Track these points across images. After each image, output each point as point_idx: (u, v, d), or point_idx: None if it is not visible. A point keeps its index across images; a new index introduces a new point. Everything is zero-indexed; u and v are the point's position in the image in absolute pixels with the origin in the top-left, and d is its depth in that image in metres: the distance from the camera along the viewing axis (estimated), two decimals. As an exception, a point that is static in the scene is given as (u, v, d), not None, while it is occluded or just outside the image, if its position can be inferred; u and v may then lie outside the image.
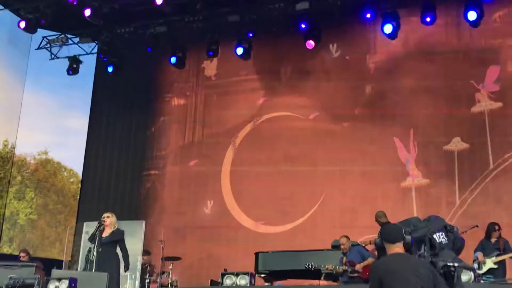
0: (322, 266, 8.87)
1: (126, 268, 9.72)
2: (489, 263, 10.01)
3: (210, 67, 16.19)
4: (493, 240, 10.34)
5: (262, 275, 10.82)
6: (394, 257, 4.85)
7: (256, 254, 11.04)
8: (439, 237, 6.07)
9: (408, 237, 4.94)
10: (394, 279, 4.65)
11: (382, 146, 14.02)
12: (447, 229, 6.24)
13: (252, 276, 8.14)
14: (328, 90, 14.85)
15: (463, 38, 13.71)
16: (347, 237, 10.09)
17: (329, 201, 14.11)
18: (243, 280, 7.96)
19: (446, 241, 6.08)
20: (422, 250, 5.91)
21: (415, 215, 13.30)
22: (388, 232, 5.00)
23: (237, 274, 8.06)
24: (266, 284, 10.65)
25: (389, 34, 13.34)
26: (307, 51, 14.36)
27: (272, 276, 10.64)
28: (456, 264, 4.95)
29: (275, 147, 15.10)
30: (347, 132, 14.51)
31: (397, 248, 4.89)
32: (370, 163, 14.02)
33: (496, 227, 10.38)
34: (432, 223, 6.18)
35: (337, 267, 9.27)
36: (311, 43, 14.23)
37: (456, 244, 6.33)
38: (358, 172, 14.09)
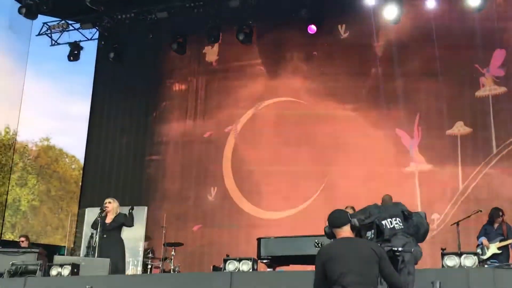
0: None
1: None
2: (493, 248, 9.99)
3: (211, 52, 16.10)
4: (496, 225, 10.32)
5: (265, 261, 10.79)
6: (339, 241, 4.90)
7: (258, 239, 10.99)
8: (391, 223, 6.07)
9: (354, 220, 5.00)
10: (334, 263, 4.71)
11: (386, 131, 13.96)
12: (405, 215, 6.24)
13: (254, 261, 8.10)
14: (332, 74, 14.76)
15: (467, 22, 13.54)
16: (352, 207, 9.90)
17: (332, 187, 14.06)
18: (246, 266, 7.91)
19: (401, 227, 6.10)
20: (370, 236, 5.96)
21: (418, 200, 13.31)
22: (333, 217, 5.03)
23: (239, 260, 8.01)
24: (269, 269, 10.61)
25: (392, 18, 13.25)
26: (310, 36, 14.27)
27: (275, 261, 10.60)
28: (400, 249, 5.26)
29: (277, 132, 15.04)
30: (351, 116, 14.44)
31: (344, 232, 4.93)
32: (373, 148, 13.97)
33: (500, 213, 10.34)
34: (387, 209, 6.25)
35: None
36: (312, 28, 14.17)
37: (420, 229, 6.33)
38: (361, 157, 14.03)
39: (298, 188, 14.41)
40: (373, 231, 5.96)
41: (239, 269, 7.88)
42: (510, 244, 10.05)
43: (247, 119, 15.49)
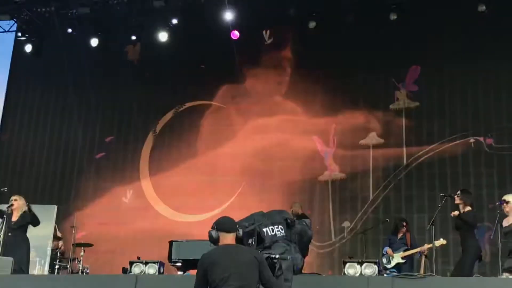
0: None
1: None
2: (397, 258, 10.29)
3: (134, 51, 15.91)
4: (399, 235, 10.60)
5: (177, 264, 10.76)
6: (221, 248, 5.00)
7: (170, 242, 11.00)
8: (273, 230, 6.28)
9: (240, 231, 5.18)
10: (216, 268, 4.81)
11: (302, 139, 14.19)
12: (288, 223, 6.45)
13: (161, 264, 8.08)
14: (245, 80, 14.90)
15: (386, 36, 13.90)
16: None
17: (247, 192, 14.17)
18: (152, 269, 7.89)
19: (283, 234, 6.31)
20: (251, 243, 6.15)
21: (331, 209, 13.60)
22: (223, 222, 5.13)
23: (146, 263, 7.97)
24: (179, 273, 10.60)
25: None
26: (234, 41, 14.33)
27: (188, 265, 10.59)
28: (276, 256, 5.48)
29: (195, 136, 15.05)
30: (271, 123, 14.59)
31: (229, 239, 5.04)
32: (290, 156, 14.16)
33: (404, 223, 10.64)
34: (270, 216, 6.47)
35: None
36: (236, 34, 14.22)
37: (304, 237, 6.59)
38: (278, 164, 14.22)
39: (215, 193, 14.44)
40: (254, 238, 6.12)
41: (144, 272, 7.83)
42: (414, 253, 10.38)
43: (166, 121, 15.41)
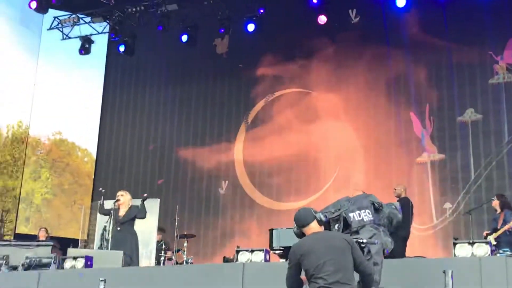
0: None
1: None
2: (493, 241, 9.66)
3: (222, 44, 16.08)
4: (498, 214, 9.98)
5: (277, 252, 10.83)
6: (310, 237, 4.96)
7: (270, 230, 11.06)
8: (359, 215, 6.24)
9: (318, 214, 5.06)
10: (309, 257, 4.78)
11: (398, 121, 13.91)
12: (375, 207, 6.37)
13: (267, 252, 8.11)
14: (342, 64, 14.69)
15: (479, 10, 13.37)
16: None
17: (343, 177, 14.05)
18: (258, 257, 7.94)
19: (371, 218, 6.27)
20: (337, 229, 6.13)
21: (431, 190, 13.27)
22: (298, 217, 5.09)
23: (251, 251, 8.03)
24: (281, 260, 10.65)
25: (402, 7, 13.18)
26: (321, 25, 14.20)
27: (287, 252, 10.64)
28: (364, 240, 5.47)
29: (287, 124, 15.04)
30: (362, 107, 14.40)
31: (312, 229, 4.99)
32: (385, 138, 13.93)
33: (495, 200, 10.05)
34: (356, 201, 6.36)
35: None
36: (322, 19, 14.08)
37: (393, 220, 6.51)
38: (373, 147, 14.02)
39: (309, 179, 14.42)
40: (340, 223, 6.07)
41: (251, 260, 7.90)
42: (505, 231, 9.46)
43: (258, 110, 15.50)
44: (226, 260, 11.89)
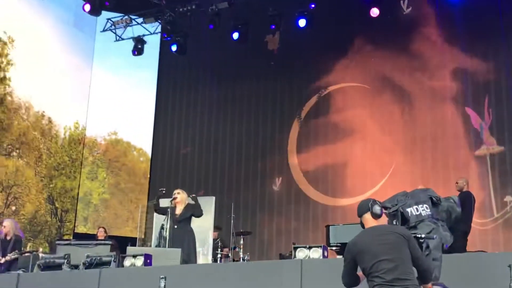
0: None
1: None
2: None
3: (273, 41, 16.04)
4: None
5: (334, 248, 10.74)
6: (364, 234, 4.88)
7: (327, 227, 10.98)
8: (417, 209, 6.15)
9: (375, 207, 4.94)
10: (364, 254, 4.72)
11: (455, 113, 13.62)
12: (433, 201, 6.26)
13: (325, 248, 8.02)
14: (396, 57, 14.47)
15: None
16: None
17: (399, 172, 13.85)
18: (316, 253, 7.84)
19: (429, 213, 6.16)
20: (395, 223, 6.04)
21: (490, 184, 12.95)
22: (357, 208, 5.05)
23: (309, 247, 7.95)
24: (338, 256, 10.55)
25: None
26: (373, 19, 14.02)
27: (344, 249, 10.54)
28: (422, 236, 5.43)
29: (341, 119, 14.91)
30: (417, 100, 14.15)
31: (367, 221, 4.93)
32: (442, 132, 13.66)
33: None
34: (414, 196, 6.23)
35: None
36: (375, 11, 13.89)
37: (452, 214, 6.40)
38: (429, 141, 13.77)
39: (365, 175, 14.26)
40: (398, 219, 5.95)
41: (309, 257, 7.82)
42: None
43: (311, 106, 15.41)
44: (282, 256, 11.86)
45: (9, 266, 9.72)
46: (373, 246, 4.70)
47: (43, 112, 15.70)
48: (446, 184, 12.12)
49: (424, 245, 5.46)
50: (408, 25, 14.39)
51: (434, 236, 5.70)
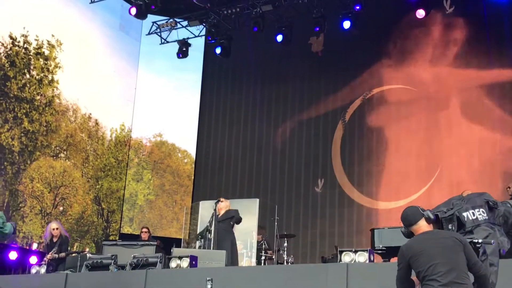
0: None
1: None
2: None
3: (317, 42, 16.00)
4: None
5: (379, 252, 10.63)
6: (420, 237, 4.78)
7: (372, 230, 10.87)
8: (473, 214, 5.92)
9: (426, 212, 4.87)
10: (419, 258, 4.62)
11: (506, 113, 13.36)
12: (490, 205, 6.02)
13: (371, 252, 7.96)
14: (443, 58, 14.27)
15: None
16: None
17: (446, 175, 13.66)
18: (362, 257, 7.79)
19: (485, 218, 5.93)
20: (451, 228, 5.84)
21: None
22: (405, 216, 4.90)
23: (355, 251, 7.90)
24: (384, 260, 10.44)
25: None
26: (418, 20, 13.86)
27: (390, 253, 10.43)
28: (480, 241, 5.16)
29: (385, 121, 14.78)
30: (462, 102, 13.93)
31: (421, 227, 4.82)
32: (490, 132, 13.41)
33: None
34: (470, 200, 6.05)
35: None
36: (421, 13, 13.72)
37: (509, 219, 6.17)
38: (477, 142, 13.53)
39: (410, 178, 14.10)
40: (454, 223, 5.82)
41: (355, 261, 7.77)
42: None
43: (355, 108, 15.32)
44: (324, 260, 11.80)
45: (57, 266, 9.90)
46: (429, 249, 4.64)
47: (90, 114, 15.96)
48: (494, 188, 11.88)
49: (481, 250, 5.27)
50: (450, 24, 14.19)
51: (492, 241, 5.57)
